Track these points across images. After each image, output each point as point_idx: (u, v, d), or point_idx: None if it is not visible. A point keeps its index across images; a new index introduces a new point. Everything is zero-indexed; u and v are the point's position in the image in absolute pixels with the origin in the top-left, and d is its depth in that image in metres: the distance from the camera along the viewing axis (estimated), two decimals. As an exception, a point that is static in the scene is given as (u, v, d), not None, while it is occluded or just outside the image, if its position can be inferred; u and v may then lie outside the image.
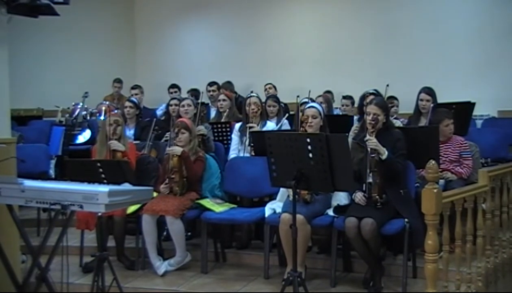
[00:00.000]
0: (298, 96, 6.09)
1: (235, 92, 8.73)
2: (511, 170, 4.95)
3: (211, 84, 8.66)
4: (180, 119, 5.76)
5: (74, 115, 8.66)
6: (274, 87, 8.90)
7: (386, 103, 5.14)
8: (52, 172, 7.28)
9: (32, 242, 3.95)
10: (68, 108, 8.87)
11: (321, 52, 9.67)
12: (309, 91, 6.15)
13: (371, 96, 5.46)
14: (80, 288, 4.97)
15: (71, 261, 3.79)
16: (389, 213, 4.67)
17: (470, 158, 5.44)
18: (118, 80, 9.85)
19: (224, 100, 7.12)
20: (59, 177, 7.07)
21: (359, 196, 4.74)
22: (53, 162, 7.38)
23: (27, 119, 9.05)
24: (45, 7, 4.97)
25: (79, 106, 8.73)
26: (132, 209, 5.30)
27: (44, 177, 6.78)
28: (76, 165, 5.16)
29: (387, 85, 5.64)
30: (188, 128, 5.51)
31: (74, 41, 10.00)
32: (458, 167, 5.38)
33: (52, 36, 9.55)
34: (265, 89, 8.86)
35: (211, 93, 8.48)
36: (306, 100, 6.10)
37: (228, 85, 8.97)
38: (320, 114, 5.03)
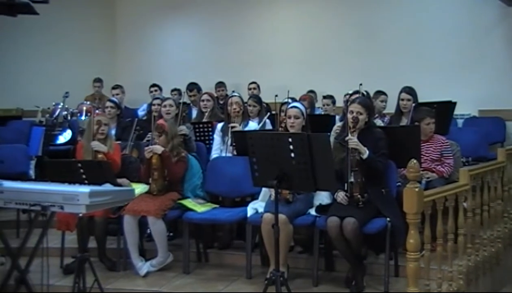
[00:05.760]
0: (276, 95, 6.10)
1: (226, 94, 8.64)
2: (491, 169, 4.99)
3: (190, 88, 8.40)
4: (158, 121, 5.72)
5: (54, 116, 8.59)
6: (258, 86, 8.88)
7: (369, 103, 5.15)
8: (32, 173, 7.21)
9: (12, 243, 3.90)
10: (49, 108, 8.79)
11: (303, 51, 9.66)
12: (288, 91, 6.16)
13: (355, 95, 5.49)
14: (61, 289, 4.92)
15: (51, 262, 3.76)
16: (371, 212, 4.68)
17: (451, 157, 5.47)
18: (98, 80, 9.79)
19: (208, 100, 7.07)
20: (39, 178, 7.00)
21: (341, 195, 4.75)
22: (33, 162, 7.31)
23: (6, 119, 8.94)
24: (24, 6, 4.92)
25: (59, 106, 8.66)
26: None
27: (24, 177, 6.71)
28: (57, 165, 5.12)
29: (360, 84, 5.67)
30: (164, 131, 5.48)
31: (54, 41, 9.90)
32: (440, 166, 5.41)
33: (32, 35, 9.45)
34: (249, 89, 8.83)
35: (192, 98, 8.35)
36: (288, 100, 6.10)
37: (221, 85, 8.97)
38: (302, 114, 5.02)
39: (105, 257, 5.55)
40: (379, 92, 7.08)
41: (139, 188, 5.45)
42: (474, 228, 4.78)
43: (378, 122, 6.13)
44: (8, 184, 3.55)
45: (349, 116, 4.81)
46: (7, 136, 7.62)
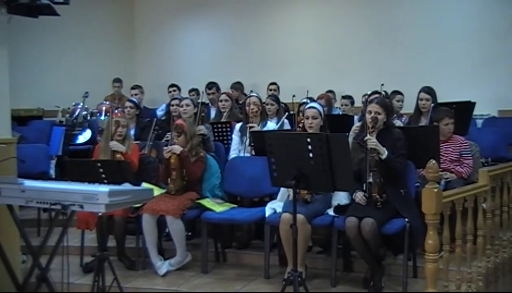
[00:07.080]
0: (294, 96, 6.12)
1: (245, 94, 8.63)
2: (511, 170, 4.95)
3: (210, 87, 8.46)
4: (177, 121, 5.74)
5: (74, 115, 8.68)
6: (278, 88, 8.85)
7: (388, 103, 5.14)
8: (52, 172, 7.29)
9: (33, 242, 3.95)
10: (69, 108, 8.89)
11: (321, 52, 9.67)
12: (307, 91, 6.17)
13: (374, 95, 5.48)
14: (81, 288, 4.97)
15: (71, 261, 3.79)
16: (389, 213, 4.66)
17: (470, 158, 5.44)
18: (118, 80, 9.89)
19: (226, 100, 7.09)
20: (60, 177, 7.07)
21: (359, 196, 4.73)
22: (53, 162, 7.38)
23: (27, 119, 9.04)
24: (45, 7, 4.97)
25: (79, 106, 8.75)
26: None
27: (45, 177, 6.77)
28: (77, 165, 5.17)
29: (382, 84, 5.67)
30: (183, 131, 5.50)
31: (74, 41, 9.99)
32: (459, 167, 5.38)
33: (52, 36, 9.54)
34: (269, 90, 8.80)
35: (211, 96, 8.39)
36: (306, 100, 6.11)
37: (238, 86, 8.97)
38: (320, 114, 5.03)
39: (124, 256, 5.59)
40: (395, 92, 7.06)
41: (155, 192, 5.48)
42: (494, 229, 4.75)
43: (397, 122, 6.11)
44: (29, 183, 3.60)
45: (368, 116, 4.80)
46: (28, 136, 7.70)
